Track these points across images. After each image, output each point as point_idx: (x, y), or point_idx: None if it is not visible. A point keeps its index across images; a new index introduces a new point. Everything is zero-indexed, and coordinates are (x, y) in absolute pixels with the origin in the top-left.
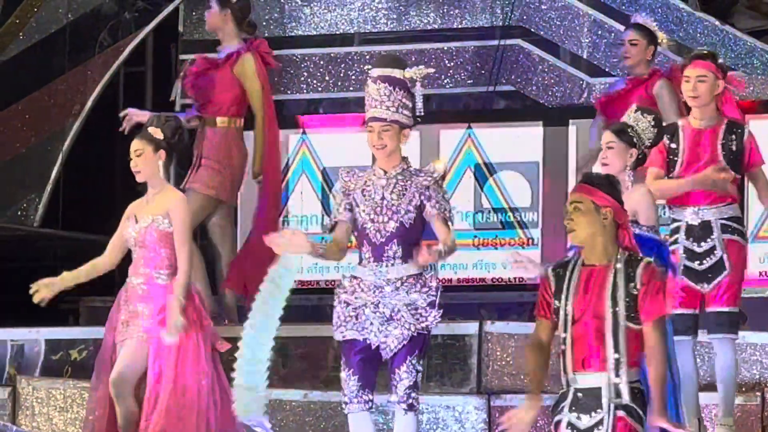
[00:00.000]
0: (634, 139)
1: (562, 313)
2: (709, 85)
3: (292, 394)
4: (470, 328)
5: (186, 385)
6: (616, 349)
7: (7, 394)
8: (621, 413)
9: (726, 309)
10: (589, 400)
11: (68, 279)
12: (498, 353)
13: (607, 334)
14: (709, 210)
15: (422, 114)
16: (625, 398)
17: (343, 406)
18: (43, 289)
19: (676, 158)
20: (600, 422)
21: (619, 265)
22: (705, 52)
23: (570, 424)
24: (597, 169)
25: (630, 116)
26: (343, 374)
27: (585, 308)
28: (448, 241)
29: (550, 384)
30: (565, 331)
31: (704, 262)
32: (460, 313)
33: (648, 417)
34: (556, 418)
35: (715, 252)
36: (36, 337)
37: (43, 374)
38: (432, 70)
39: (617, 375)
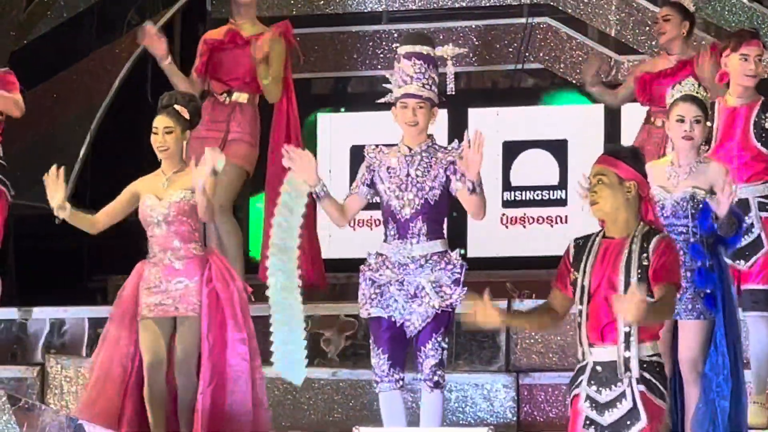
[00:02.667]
0: (708, 113)
1: (578, 285)
2: (764, 64)
3: (321, 372)
4: (498, 305)
5: (230, 355)
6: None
7: (36, 373)
8: (642, 388)
9: (762, 287)
10: (608, 374)
11: (68, 211)
12: (526, 331)
13: None
14: (747, 188)
15: (453, 93)
16: (635, 373)
17: (374, 384)
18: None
19: (710, 136)
20: (621, 396)
21: (636, 238)
22: (756, 30)
23: (589, 398)
24: (680, 142)
25: (697, 90)
26: (372, 352)
27: (600, 280)
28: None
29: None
30: (581, 303)
31: (742, 239)
32: (489, 291)
33: None
34: (574, 392)
35: (753, 230)
36: (63, 315)
37: (71, 353)
38: (465, 50)
39: (627, 348)
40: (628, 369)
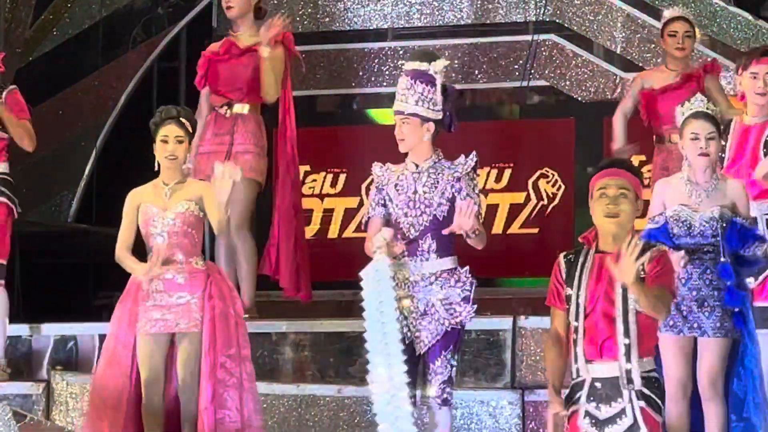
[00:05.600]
0: (721, 129)
1: (573, 301)
2: None
3: (326, 390)
4: (504, 323)
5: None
6: (626, 335)
7: (42, 389)
8: (642, 404)
9: None
10: (607, 390)
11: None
12: (532, 348)
13: (617, 319)
14: (755, 206)
15: (442, 108)
16: (638, 385)
17: None
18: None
19: (724, 154)
20: (621, 412)
21: None
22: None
23: (588, 414)
24: (696, 160)
25: (708, 106)
26: None
27: (598, 295)
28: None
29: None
30: (577, 320)
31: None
32: (494, 308)
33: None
34: (572, 409)
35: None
36: (70, 332)
37: (77, 369)
38: (448, 62)
39: (628, 360)
40: (630, 381)
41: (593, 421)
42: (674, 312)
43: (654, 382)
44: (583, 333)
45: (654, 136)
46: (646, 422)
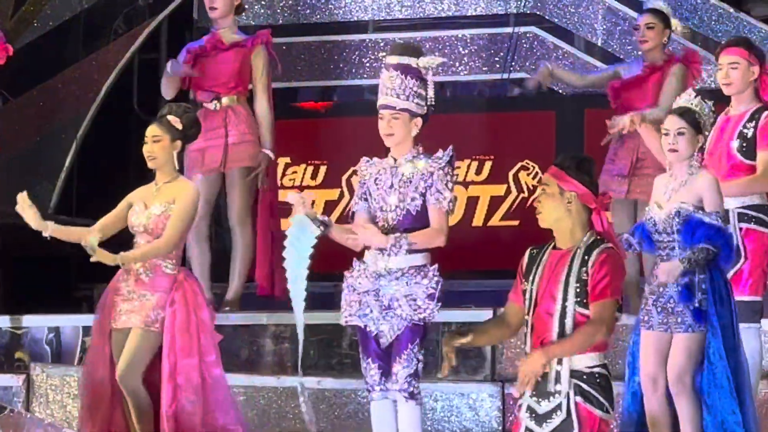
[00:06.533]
0: (701, 125)
1: (527, 295)
2: (742, 71)
3: (306, 382)
4: (484, 315)
5: (190, 376)
6: (560, 335)
7: (21, 381)
8: (579, 399)
9: (747, 298)
10: (546, 385)
11: (51, 228)
12: (512, 340)
13: (554, 317)
14: (729, 198)
15: (433, 104)
16: (565, 387)
17: (366, 393)
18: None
19: (704, 146)
20: (558, 407)
21: (579, 250)
22: (738, 38)
23: (529, 408)
24: (667, 155)
25: (692, 101)
26: (362, 362)
27: (544, 292)
28: (420, 236)
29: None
30: (528, 313)
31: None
32: (474, 301)
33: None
34: (519, 402)
35: None
36: (50, 324)
37: (56, 361)
38: (444, 60)
39: (559, 362)
40: (558, 382)
41: (533, 415)
42: (650, 307)
43: (597, 378)
44: (531, 328)
45: None
46: (580, 417)
